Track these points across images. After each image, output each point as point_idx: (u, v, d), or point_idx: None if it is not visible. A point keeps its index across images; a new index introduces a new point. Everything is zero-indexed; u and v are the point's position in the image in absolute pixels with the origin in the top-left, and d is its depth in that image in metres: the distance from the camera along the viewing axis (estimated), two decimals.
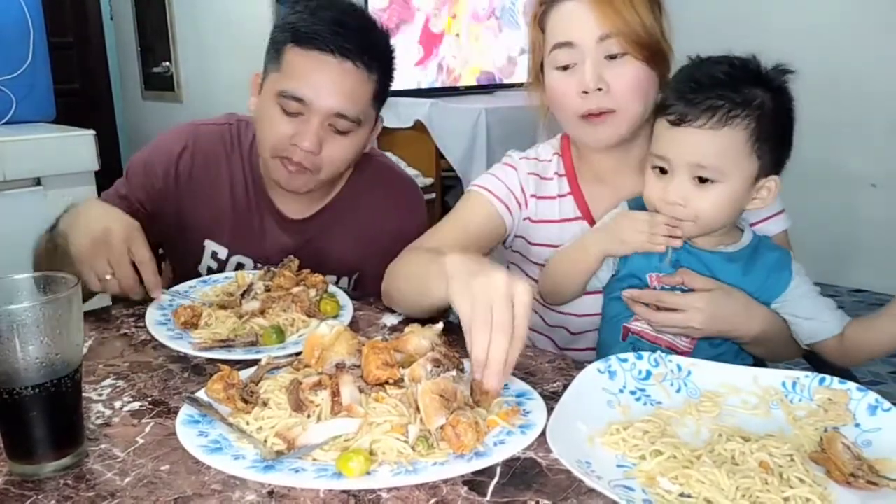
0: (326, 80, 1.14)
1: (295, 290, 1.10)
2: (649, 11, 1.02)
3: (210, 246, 1.33)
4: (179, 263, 1.38)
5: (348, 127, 1.17)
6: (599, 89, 1.03)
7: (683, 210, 0.97)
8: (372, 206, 1.34)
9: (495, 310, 0.74)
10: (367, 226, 1.33)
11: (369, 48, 1.16)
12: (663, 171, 0.98)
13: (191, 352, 0.96)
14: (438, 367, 0.76)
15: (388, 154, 3.14)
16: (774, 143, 0.96)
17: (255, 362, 0.88)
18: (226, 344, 0.98)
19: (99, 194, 1.39)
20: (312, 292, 1.10)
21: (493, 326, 0.74)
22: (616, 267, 1.06)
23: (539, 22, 1.09)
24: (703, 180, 0.95)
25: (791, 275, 1.02)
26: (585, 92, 1.03)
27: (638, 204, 1.06)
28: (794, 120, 0.97)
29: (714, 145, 0.93)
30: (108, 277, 1.04)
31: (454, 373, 0.76)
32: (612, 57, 1.03)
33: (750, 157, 0.95)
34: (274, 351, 0.95)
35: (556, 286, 1.10)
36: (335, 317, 1.07)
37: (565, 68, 1.05)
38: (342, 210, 1.34)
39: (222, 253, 1.33)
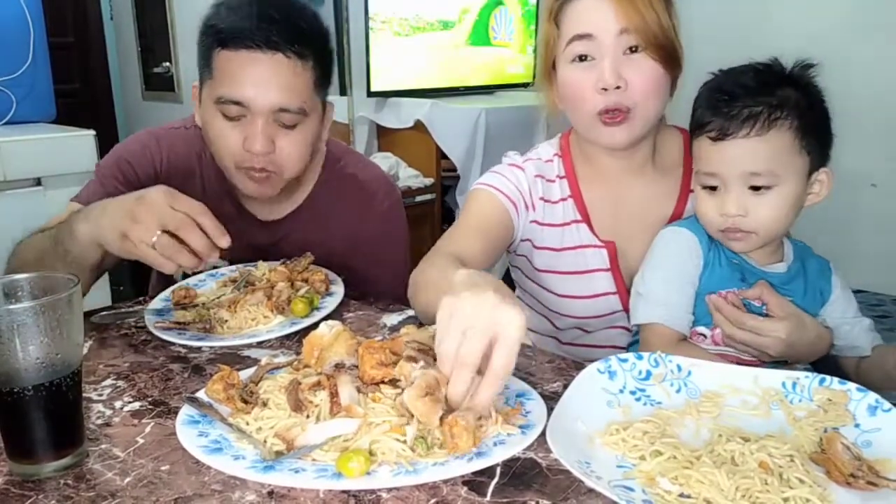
0: (261, 78, 1.10)
1: (280, 285, 1.11)
2: (665, 11, 1.02)
3: None
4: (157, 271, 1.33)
5: (294, 120, 1.14)
6: (618, 87, 1.01)
7: (746, 220, 0.97)
8: (345, 214, 1.32)
9: (466, 339, 0.67)
10: (342, 233, 1.31)
11: (299, 35, 1.12)
12: (713, 188, 0.99)
13: (153, 329, 1.03)
14: (417, 363, 0.75)
15: (388, 154, 3.16)
16: (818, 135, 0.97)
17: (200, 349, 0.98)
18: (181, 327, 1.05)
19: None
20: (286, 292, 1.10)
21: (457, 359, 0.67)
22: None
23: (554, 17, 1.08)
24: (757, 188, 0.95)
25: (832, 289, 1.05)
26: (605, 89, 1.02)
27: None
28: (828, 110, 0.98)
29: (763, 151, 0.94)
30: (155, 238, 0.96)
31: (422, 363, 0.75)
32: (632, 50, 1.01)
33: (800, 154, 0.95)
34: (229, 340, 1.01)
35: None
36: (304, 317, 1.07)
37: (582, 59, 1.04)
38: (314, 213, 1.31)
39: None
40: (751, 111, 0.93)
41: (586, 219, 1.15)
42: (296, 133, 1.15)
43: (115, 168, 1.26)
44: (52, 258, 1.05)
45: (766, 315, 0.99)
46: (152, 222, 0.96)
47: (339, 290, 1.17)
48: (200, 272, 1.21)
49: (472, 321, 0.67)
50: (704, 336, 1.03)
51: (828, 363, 1.08)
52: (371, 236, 1.32)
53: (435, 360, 0.76)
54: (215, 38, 1.12)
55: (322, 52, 1.16)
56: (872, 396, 0.77)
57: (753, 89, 0.95)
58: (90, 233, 1.01)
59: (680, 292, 1.02)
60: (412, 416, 0.71)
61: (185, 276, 1.22)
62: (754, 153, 0.94)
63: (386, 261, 1.33)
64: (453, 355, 0.67)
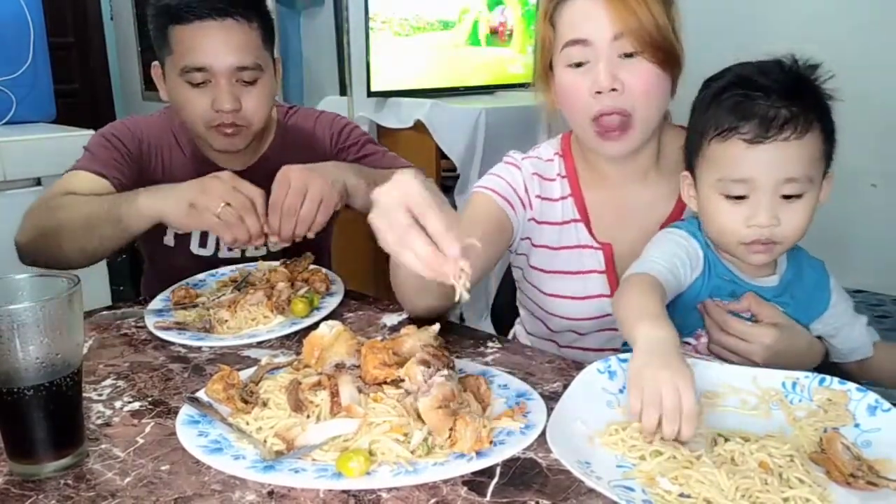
0: (216, 42, 1.23)
1: (280, 285, 1.11)
2: (663, 11, 1.00)
3: None
4: (146, 238, 1.38)
5: (253, 76, 1.27)
6: (614, 90, 0.99)
7: (778, 230, 0.91)
8: (306, 147, 1.45)
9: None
10: (312, 156, 1.37)
11: (240, 1, 1.26)
12: (739, 197, 0.91)
13: (153, 329, 1.05)
14: (428, 367, 0.75)
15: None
16: (832, 139, 0.92)
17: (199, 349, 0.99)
18: (181, 327, 1.06)
19: None
20: (286, 292, 1.10)
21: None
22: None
23: (549, 18, 1.06)
24: (787, 196, 0.90)
25: (830, 295, 1.00)
26: (599, 92, 1.00)
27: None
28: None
29: (801, 155, 0.88)
30: (222, 206, 1.09)
31: (446, 372, 0.75)
32: (627, 55, 1.00)
33: (822, 158, 0.91)
34: (229, 340, 1.02)
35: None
36: (304, 317, 1.07)
37: (578, 65, 1.02)
38: (280, 156, 1.39)
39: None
40: (790, 111, 0.87)
41: (585, 219, 1.14)
42: (256, 89, 1.29)
43: (102, 139, 1.36)
44: (103, 221, 1.17)
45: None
46: (218, 195, 1.10)
47: (339, 290, 1.17)
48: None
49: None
50: (689, 344, 1.02)
51: (830, 371, 1.06)
52: (336, 143, 1.47)
53: (446, 365, 0.77)
54: (168, 16, 1.24)
55: (261, 11, 1.31)
56: (872, 396, 0.77)
57: (786, 88, 0.88)
58: (153, 205, 1.14)
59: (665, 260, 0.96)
60: (417, 418, 0.71)
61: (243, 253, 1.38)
62: (793, 157, 0.88)
63: (355, 137, 1.48)
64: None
